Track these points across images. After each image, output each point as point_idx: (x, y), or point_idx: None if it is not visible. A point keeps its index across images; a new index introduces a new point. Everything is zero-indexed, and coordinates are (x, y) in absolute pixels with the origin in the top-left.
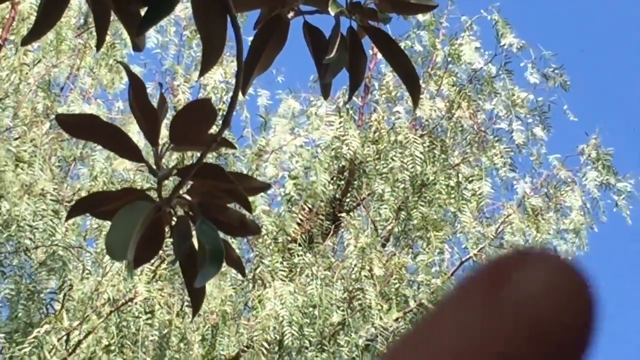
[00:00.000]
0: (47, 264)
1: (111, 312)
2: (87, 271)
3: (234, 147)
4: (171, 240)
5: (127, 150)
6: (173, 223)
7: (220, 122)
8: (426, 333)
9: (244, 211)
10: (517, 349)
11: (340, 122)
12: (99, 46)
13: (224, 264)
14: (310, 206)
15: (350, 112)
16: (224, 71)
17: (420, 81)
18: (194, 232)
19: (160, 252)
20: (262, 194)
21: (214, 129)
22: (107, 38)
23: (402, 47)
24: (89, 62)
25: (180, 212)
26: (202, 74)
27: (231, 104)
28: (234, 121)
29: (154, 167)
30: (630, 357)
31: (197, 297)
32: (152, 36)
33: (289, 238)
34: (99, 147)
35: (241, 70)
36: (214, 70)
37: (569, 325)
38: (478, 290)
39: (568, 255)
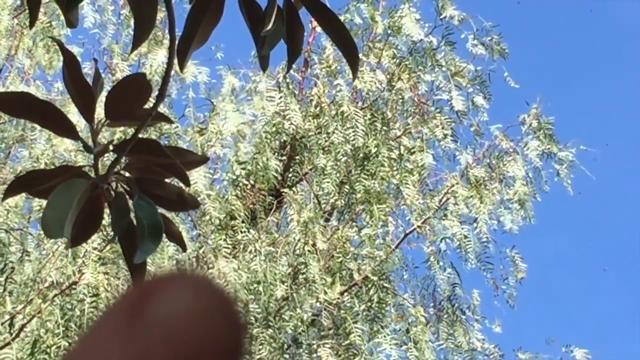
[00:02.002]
0: None
1: (55, 295)
2: (28, 253)
3: (171, 122)
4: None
5: (63, 127)
6: (112, 200)
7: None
8: None
9: (183, 185)
10: None
11: (280, 97)
12: (31, 23)
13: (165, 239)
14: (252, 182)
15: (291, 87)
16: (167, 50)
17: (360, 54)
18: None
19: (104, 233)
20: (205, 172)
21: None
22: (44, 18)
23: (342, 20)
24: (26, 43)
25: (119, 188)
26: (134, 47)
27: (165, 76)
28: (176, 100)
29: (91, 144)
30: (566, 326)
31: (138, 274)
32: (89, 15)
33: (232, 215)
34: (39, 128)
35: (174, 41)
36: (155, 49)
37: (212, 346)
38: (118, 318)
39: (209, 275)
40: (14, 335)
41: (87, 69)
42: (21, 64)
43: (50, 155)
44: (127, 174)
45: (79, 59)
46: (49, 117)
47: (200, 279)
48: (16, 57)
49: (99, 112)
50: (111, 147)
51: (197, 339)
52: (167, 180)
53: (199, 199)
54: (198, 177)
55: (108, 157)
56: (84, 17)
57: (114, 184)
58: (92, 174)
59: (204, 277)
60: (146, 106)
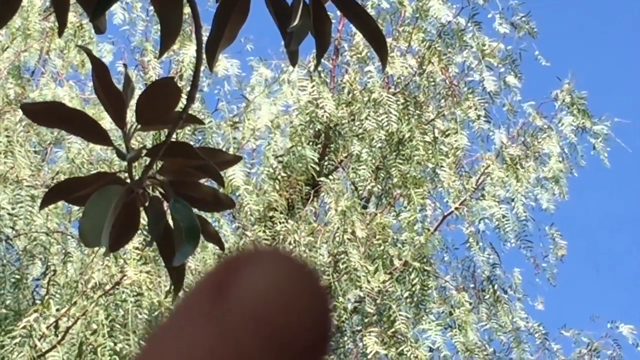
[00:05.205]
0: (29, 251)
1: (99, 296)
2: (69, 255)
3: (202, 123)
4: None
5: (95, 134)
6: (147, 204)
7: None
8: (152, 355)
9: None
10: (251, 355)
11: (312, 86)
12: (60, 32)
13: (202, 239)
14: (289, 173)
15: (322, 75)
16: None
17: (390, 39)
18: (168, 211)
19: (144, 233)
20: (241, 166)
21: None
22: (75, 19)
23: (369, 6)
24: (58, 44)
25: (155, 192)
26: (162, 52)
27: (194, 80)
28: (209, 94)
29: (124, 148)
30: (610, 302)
31: (177, 276)
32: (118, 12)
33: (270, 206)
34: None
35: (201, 43)
36: (185, 45)
37: (300, 323)
38: (203, 298)
39: (293, 252)
40: (59, 337)
41: (119, 67)
42: (53, 65)
43: (87, 155)
44: (161, 178)
45: (110, 57)
46: (80, 124)
47: (284, 255)
48: (48, 59)
49: (131, 116)
50: (144, 152)
51: (286, 316)
52: (201, 181)
53: (237, 191)
54: (235, 170)
55: (143, 160)
56: (112, 14)
57: (149, 188)
58: (127, 179)
59: (288, 254)
60: (178, 107)
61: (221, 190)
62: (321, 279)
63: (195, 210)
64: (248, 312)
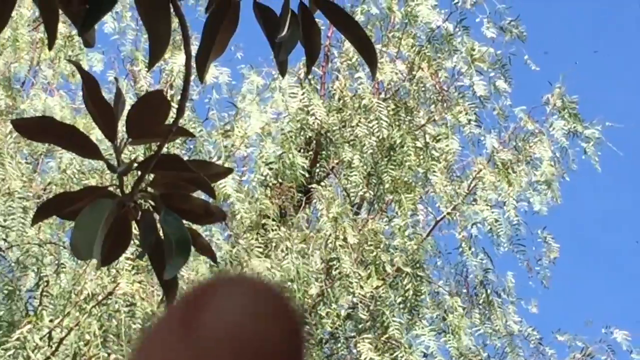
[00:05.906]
0: (22, 262)
1: (93, 307)
2: (62, 266)
3: (192, 135)
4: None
5: (86, 148)
6: (139, 217)
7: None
8: None
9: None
10: None
11: (303, 94)
12: (50, 44)
13: (194, 251)
14: (280, 180)
15: (313, 82)
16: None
17: (379, 45)
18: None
19: (136, 243)
20: (233, 174)
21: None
22: (65, 30)
23: (359, 12)
24: (48, 54)
25: (146, 205)
26: (152, 64)
27: (183, 92)
28: (199, 102)
29: (115, 162)
30: (604, 307)
31: (169, 288)
32: (108, 22)
33: (262, 214)
34: None
35: (189, 56)
36: (176, 53)
37: (269, 347)
38: (174, 325)
39: (261, 276)
40: (53, 348)
41: (110, 77)
42: (44, 75)
43: (78, 166)
44: (152, 191)
45: (100, 66)
46: (71, 139)
47: (255, 281)
48: (39, 69)
49: (122, 128)
50: (135, 165)
51: (254, 341)
52: (192, 193)
53: (228, 199)
54: (226, 178)
55: (134, 173)
56: (102, 23)
57: (140, 202)
58: (119, 193)
59: (260, 279)
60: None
61: (212, 201)
62: (289, 299)
63: (187, 222)
64: (217, 336)
